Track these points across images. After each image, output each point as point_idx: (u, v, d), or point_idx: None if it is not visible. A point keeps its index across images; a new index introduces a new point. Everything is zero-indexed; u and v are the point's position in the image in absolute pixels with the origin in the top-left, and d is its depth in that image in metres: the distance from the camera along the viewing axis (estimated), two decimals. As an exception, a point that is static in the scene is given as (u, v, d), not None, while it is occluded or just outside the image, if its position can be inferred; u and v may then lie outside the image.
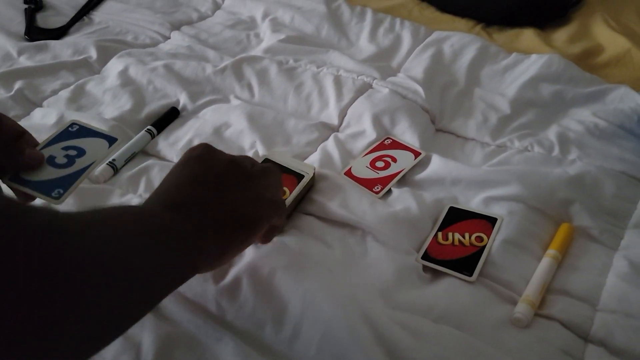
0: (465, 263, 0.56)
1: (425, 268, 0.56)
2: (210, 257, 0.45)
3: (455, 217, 0.61)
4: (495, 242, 0.58)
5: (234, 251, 0.48)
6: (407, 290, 0.54)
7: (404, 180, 0.67)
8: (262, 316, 0.51)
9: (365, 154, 0.70)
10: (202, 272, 0.49)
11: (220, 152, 0.50)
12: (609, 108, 0.77)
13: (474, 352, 0.48)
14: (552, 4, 1.00)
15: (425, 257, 0.57)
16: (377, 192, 0.65)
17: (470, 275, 0.54)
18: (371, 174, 0.67)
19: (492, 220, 0.60)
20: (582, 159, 0.69)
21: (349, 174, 0.68)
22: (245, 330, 0.50)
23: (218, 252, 0.45)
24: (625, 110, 0.76)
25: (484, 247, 0.57)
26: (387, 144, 0.71)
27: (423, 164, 0.69)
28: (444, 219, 0.61)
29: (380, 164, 0.69)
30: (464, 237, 0.59)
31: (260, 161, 0.66)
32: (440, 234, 0.60)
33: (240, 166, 0.49)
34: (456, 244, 0.58)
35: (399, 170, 0.68)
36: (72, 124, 0.57)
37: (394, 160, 0.69)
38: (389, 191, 0.65)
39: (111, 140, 0.56)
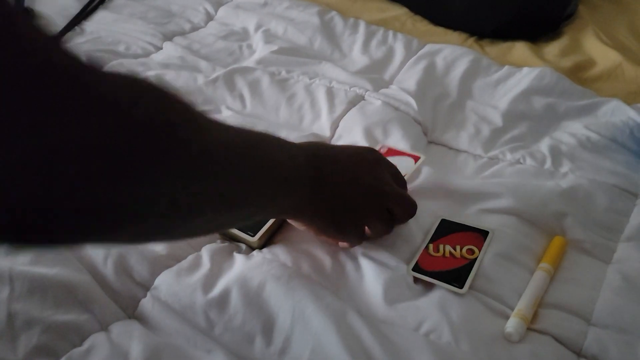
0: (455, 275, 0.55)
1: (416, 280, 0.56)
2: (304, 212, 0.52)
3: (447, 229, 0.61)
4: (487, 254, 0.57)
5: (311, 231, 0.55)
6: (397, 303, 0.53)
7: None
8: (252, 329, 0.50)
9: None
10: (292, 219, 0.55)
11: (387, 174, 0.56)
12: (601, 121, 0.77)
13: (466, 366, 0.47)
14: (544, 17, 1.01)
15: (416, 268, 0.56)
16: None
17: (461, 287, 0.54)
18: None
19: (483, 233, 0.60)
20: (575, 172, 0.69)
21: None
22: (235, 342, 0.49)
23: (303, 220, 0.53)
24: (617, 124, 0.76)
25: (475, 259, 0.57)
26: (382, 152, 0.70)
27: (414, 174, 0.68)
28: (435, 231, 0.61)
29: None
30: (455, 249, 0.58)
31: None
32: (431, 245, 0.59)
33: (382, 197, 0.54)
34: (447, 256, 0.58)
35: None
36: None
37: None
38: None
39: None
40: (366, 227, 0.55)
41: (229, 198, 0.41)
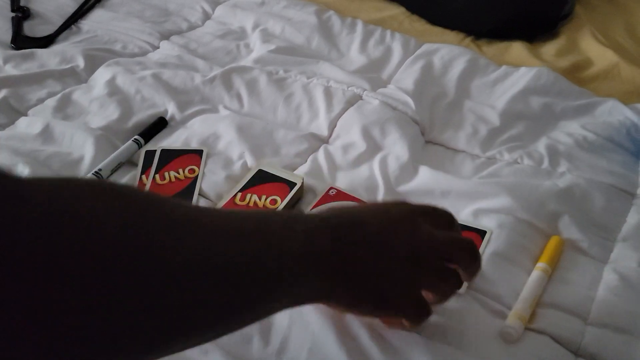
0: None
1: None
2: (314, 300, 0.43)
3: None
4: (485, 254, 0.57)
5: (350, 312, 0.47)
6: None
7: (391, 191, 0.67)
8: (249, 329, 0.50)
9: (310, 209, 0.62)
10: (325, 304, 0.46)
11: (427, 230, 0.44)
12: (598, 121, 0.78)
13: (464, 367, 0.47)
14: (541, 17, 1.01)
15: None
16: None
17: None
18: None
19: (481, 233, 0.60)
20: (572, 172, 0.69)
21: None
22: (232, 343, 0.49)
23: (329, 302, 0.44)
24: (614, 124, 0.76)
25: None
26: (332, 194, 0.64)
27: (411, 176, 0.68)
28: None
29: None
30: None
31: (253, 172, 0.65)
32: None
33: (431, 251, 0.44)
34: None
35: None
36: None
37: None
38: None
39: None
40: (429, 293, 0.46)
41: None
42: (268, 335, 0.49)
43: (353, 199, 0.63)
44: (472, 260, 0.46)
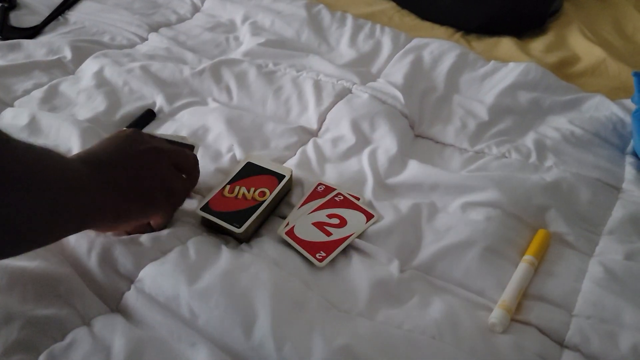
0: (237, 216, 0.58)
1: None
2: (104, 217, 0.51)
3: (251, 171, 0.64)
4: (474, 249, 0.58)
5: (126, 221, 0.55)
6: (383, 301, 0.53)
7: (380, 184, 0.67)
8: (232, 323, 0.49)
9: (313, 211, 0.62)
10: (92, 229, 0.54)
11: (148, 138, 0.56)
12: (585, 116, 0.78)
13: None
14: (530, 14, 1.01)
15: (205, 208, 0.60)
16: (320, 260, 0.56)
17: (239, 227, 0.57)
18: (317, 236, 0.59)
19: (278, 176, 0.62)
20: (559, 166, 0.70)
21: (290, 234, 0.59)
22: (217, 335, 0.49)
23: (112, 215, 0.52)
24: (601, 119, 0.77)
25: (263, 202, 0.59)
26: (320, 190, 0.64)
27: (399, 169, 0.68)
28: (238, 172, 0.63)
29: (327, 226, 0.60)
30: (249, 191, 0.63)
31: (242, 164, 0.65)
32: (228, 187, 0.62)
33: (160, 155, 0.56)
34: (239, 198, 0.61)
35: (347, 235, 0.59)
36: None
37: (344, 222, 0.61)
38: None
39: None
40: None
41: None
42: (250, 331, 0.49)
43: (357, 208, 0.62)
44: (193, 168, 0.61)
